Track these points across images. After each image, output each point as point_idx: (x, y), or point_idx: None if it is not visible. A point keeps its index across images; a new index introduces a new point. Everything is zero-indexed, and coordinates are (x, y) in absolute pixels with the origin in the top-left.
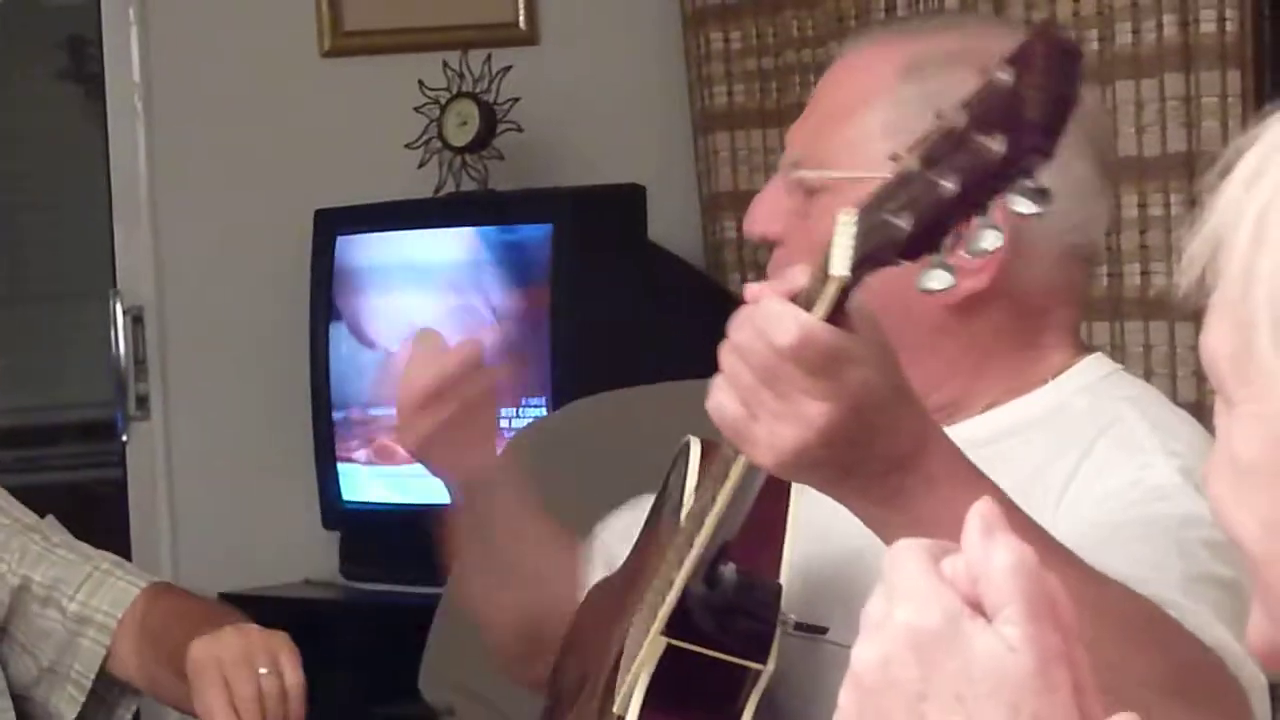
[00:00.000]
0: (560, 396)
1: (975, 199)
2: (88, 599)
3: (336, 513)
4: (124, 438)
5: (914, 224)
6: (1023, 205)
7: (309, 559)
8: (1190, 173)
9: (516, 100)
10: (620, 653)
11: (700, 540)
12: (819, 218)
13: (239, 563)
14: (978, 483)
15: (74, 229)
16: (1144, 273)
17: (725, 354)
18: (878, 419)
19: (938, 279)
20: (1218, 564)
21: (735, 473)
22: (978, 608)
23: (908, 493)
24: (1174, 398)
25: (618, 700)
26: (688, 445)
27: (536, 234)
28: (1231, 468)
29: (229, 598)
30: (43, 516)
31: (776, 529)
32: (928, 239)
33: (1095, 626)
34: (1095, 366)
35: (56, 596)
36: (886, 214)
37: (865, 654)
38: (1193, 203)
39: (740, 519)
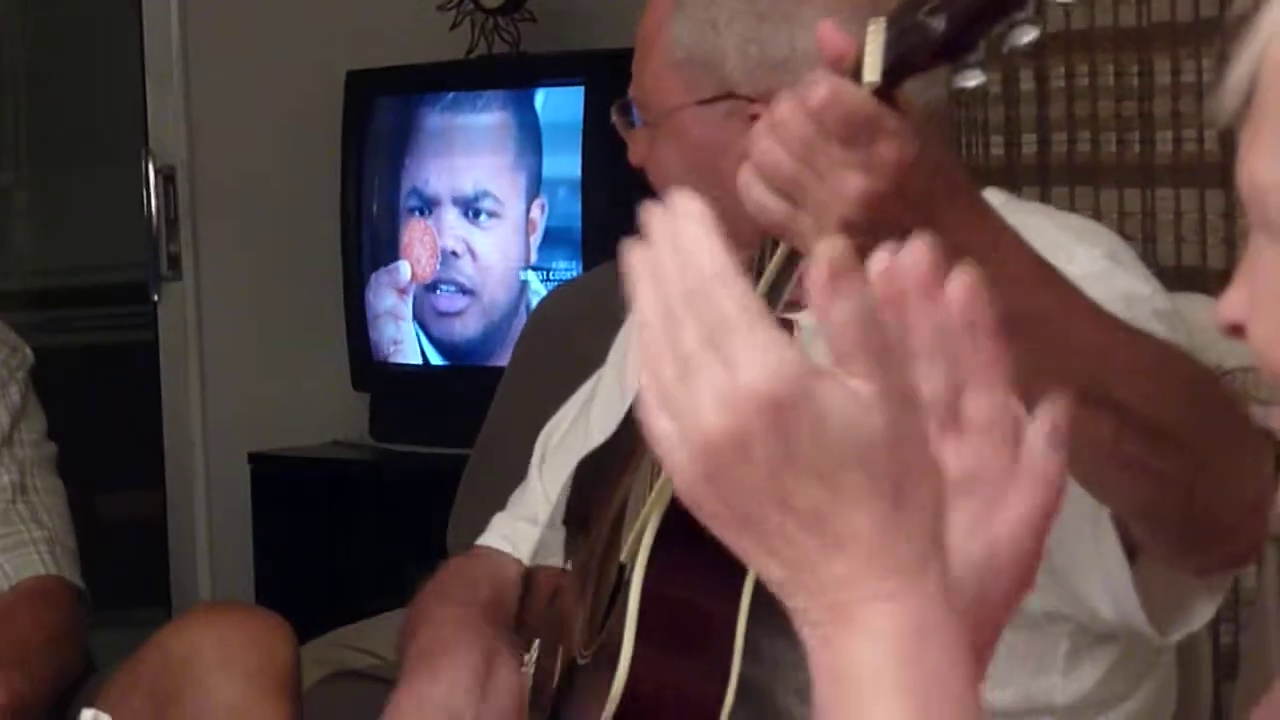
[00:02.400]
0: (592, 259)
1: None
2: None
3: (367, 374)
4: (155, 298)
5: (949, 23)
6: None
7: (339, 420)
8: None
9: None
10: (622, 508)
11: None
12: (661, 146)
13: (268, 423)
14: (1050, 280)
15: (105, 90)
16: (1176, 140)
17: (761, 139)
18: (926, 204)
19: (973, 77)
20: (1174, 333)
21: (771, 268)
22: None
23: None
24: (1204, 263)
25: (624, 550)
26: None
27: (568, 95)
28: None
29: (258, 457)
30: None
31: None
32: (963, 38)
33: (1164, 386)
34: (991, 197)
35: None
36: (921, 15)
37: (715, 421)
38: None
39: None
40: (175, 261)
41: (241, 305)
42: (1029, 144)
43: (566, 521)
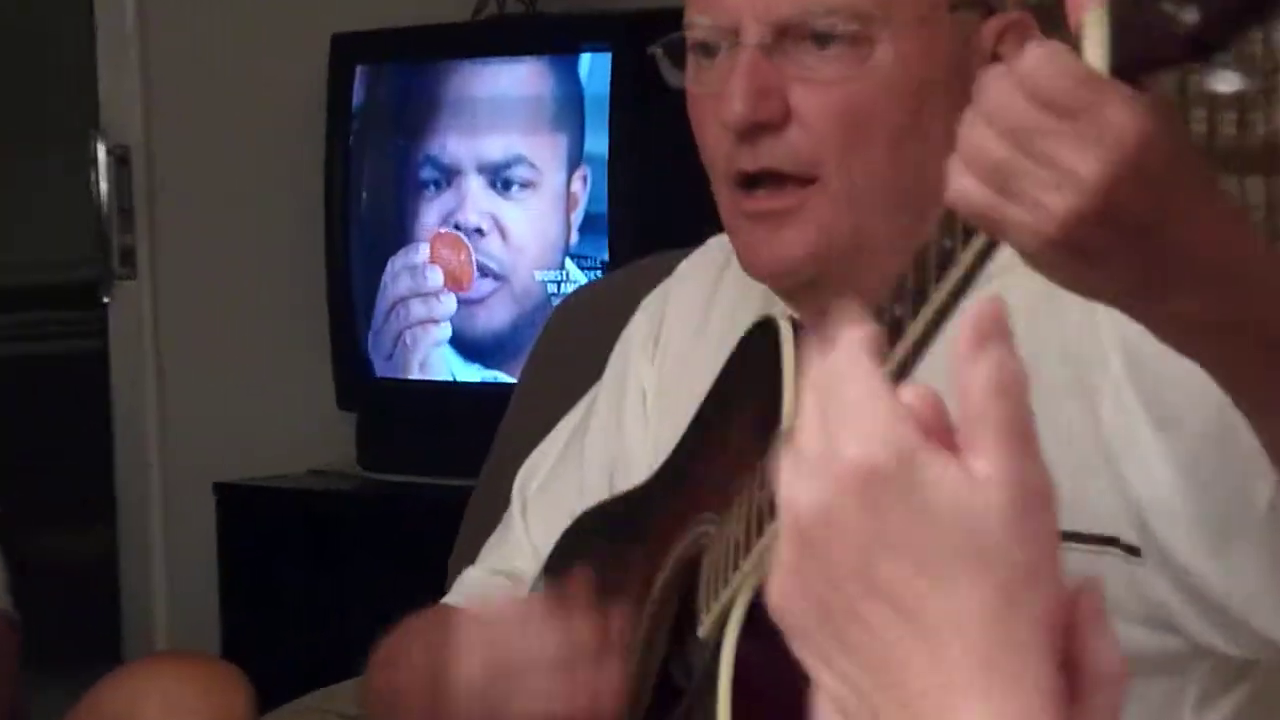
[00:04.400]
0: (620, 250)
1: None
2: None
3: (354, 390)
4: (105, 300)
5: (1201, 13)
6: None
7: (320, 445)
8: None
9: None
10: (684, 562)
11: None
12: (885, 65)
13: (237, 449)
14: None
15: (50, 61)
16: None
17: (966, 125)
18: (1168, 191)
19: (1227, 80)
20: None
21: (965, 258)
22: (948, 440)
23: (1216, 301)
24: None
25: (705, 623)
26: (767, 329)
27: (592, 63)
28: None
29: (224, 488)
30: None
31: None
32: (1218, 33)
33: None
34: None
35: None
36: (1164, 3)
37: (804, 498)
38: None
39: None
40: (129, 256)
41: (206, 308)
42: None
43: (548, 571)
